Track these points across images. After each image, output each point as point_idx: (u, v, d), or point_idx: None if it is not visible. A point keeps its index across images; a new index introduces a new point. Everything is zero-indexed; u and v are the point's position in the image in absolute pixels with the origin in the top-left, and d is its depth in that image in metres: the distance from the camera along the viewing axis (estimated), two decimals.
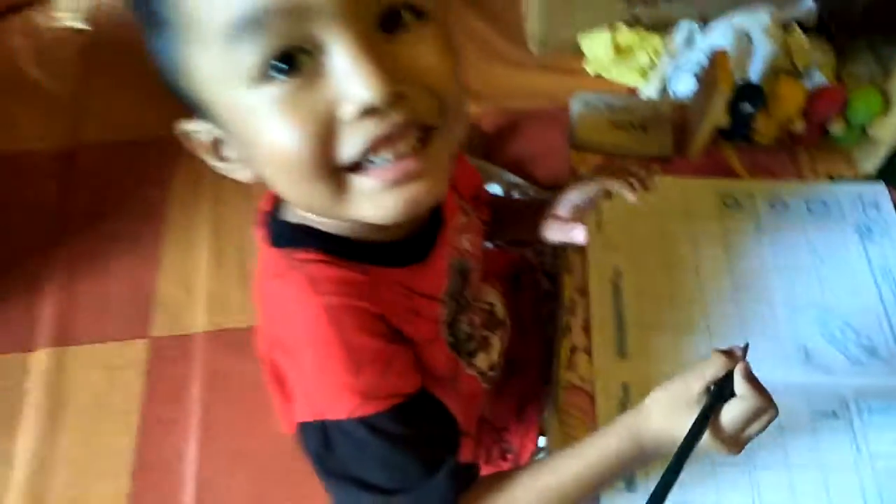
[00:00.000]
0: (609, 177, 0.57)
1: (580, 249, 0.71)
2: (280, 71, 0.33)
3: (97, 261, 0.96)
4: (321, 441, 0.43)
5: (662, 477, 0.43)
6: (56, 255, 0.97)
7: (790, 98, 0.72)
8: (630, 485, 0.57)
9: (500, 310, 0.62)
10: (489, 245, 0.74)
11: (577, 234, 0.55)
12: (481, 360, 0.57)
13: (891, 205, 0.75)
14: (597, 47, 1.11)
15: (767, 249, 0.73)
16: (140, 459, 0.82)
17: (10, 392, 0.87)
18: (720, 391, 0.44)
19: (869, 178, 0.77)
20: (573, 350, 0.66)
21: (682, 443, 0.43)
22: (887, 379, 0.64)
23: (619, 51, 1.11)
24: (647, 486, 0.56)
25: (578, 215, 0.57)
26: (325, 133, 0.35)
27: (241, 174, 0.42)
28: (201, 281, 0.94)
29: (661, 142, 0.78)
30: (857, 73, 1.13)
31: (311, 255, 0.43)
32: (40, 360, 0.89)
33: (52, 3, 1.24)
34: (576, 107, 0.81)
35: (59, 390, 0.87)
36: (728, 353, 0.45)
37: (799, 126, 0.74)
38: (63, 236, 0.99)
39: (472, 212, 0.57)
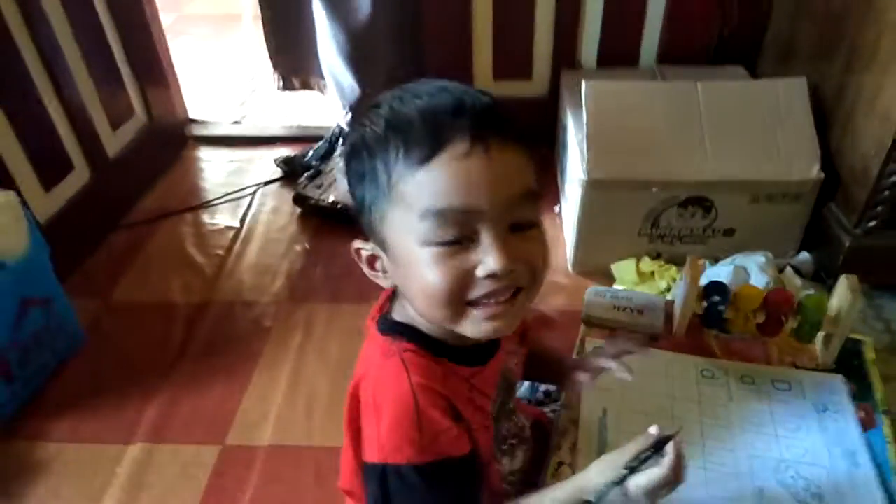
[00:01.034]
0: (611, 358, 0.76)
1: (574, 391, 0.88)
2: (450, 246, 0.54)
3: (201, 382, 1.20)
4: (379, 479, 0.59)
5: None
6: (170, 375, 1.21)
7: (749, 296, 0.92)
8: None
9: (527, 432, 0.79)
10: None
11: (588, 383, 0.76)
12: (506, 463, 0.73)
13: (847, 393, 0.88)
14: (624, 272, 1.36)
15: (735, 413, 0.86)
16: None
17: (104, 474, 1.05)
18: (640, 460, 0.60)
19: (829, 370, 0.92)
20: (560, 464, 0.80)
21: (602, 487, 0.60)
22: None
23: (642, 276, 1.35)
24: None
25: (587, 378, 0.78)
26: (462, 282, 0.55)
27: (384, 282, 0.62)
28: (275, 406, 1.15)
29: (653, 323, 0.98)
30: None
31: (407, 345, 0.61)
32: (134, 451, 1.08)
33: (215, 208, 1.68)
34: (589, 295, 1.04)
35: (139, 478, 1.04)
36: (657, 436, 0.61)
37: (760, 319, 0.93)
38: (179, 360, 1.24)
39: (518, 346, 0.76)
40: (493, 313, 0.57)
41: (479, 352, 0.65)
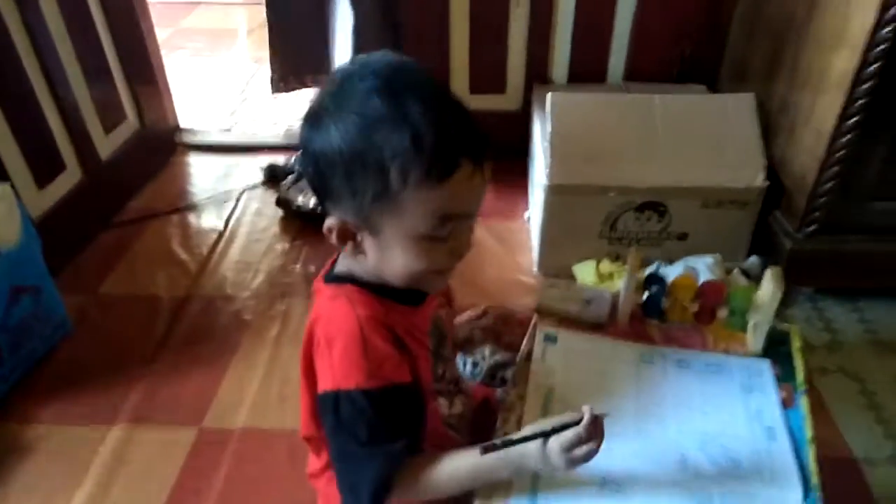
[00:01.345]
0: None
1: (526, 370, 0.96)
2: (438, 240, 0.67)
3: (182, 370, 1.27)
4: (333, 406, 0.68)
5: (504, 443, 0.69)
6: (153, 363, 1.28)
7: (684, 287, 1.01)
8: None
9: (463, 384, 0.89)
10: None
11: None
12: (444, 404, 0.82)
13: (772, 374, 0.96)
14: (585, 273, 1.45)
15: (668, 392, 0.94)
16: None
17: (87, 454, 1.12)
18: (563, 425, 0.69)
19: (757, 355, 1.00)
20: (506, 434, 0.88)
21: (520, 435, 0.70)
22: (745, 486, 0.81)
23: (602, 277, 1.43)
24: None
25: None
26: (439, 262, 0.69)
27: (359, 256, 0.70)
28: (251, 392, 1.22)
29: (599, 313, 1.06)
30: (794, 314, 1.40)
31: (352, 287, 0.72)
32: (116, 432, 1.15)
33: (201, 210, 1.76)
34: (543, 286, 1.12)
35: (121, 456, 1.11)
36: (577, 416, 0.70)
37: (695, 308, 1.01)
38: (161, 350, 1.32)
39: (445, 303, 0.87)
40: (447, 277, 0.74)
41: (411, 295, 0.74)
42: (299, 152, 0.69)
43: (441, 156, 0.62)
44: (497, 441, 0.69)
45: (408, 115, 0.62)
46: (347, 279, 0.73)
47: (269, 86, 1.95)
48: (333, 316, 0.71)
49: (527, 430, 0.71)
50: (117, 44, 1.71)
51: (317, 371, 0.71)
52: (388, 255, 0.68)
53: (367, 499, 0.68)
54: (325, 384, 0.69)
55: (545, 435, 0.69)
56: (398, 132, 0.62)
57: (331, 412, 0.69)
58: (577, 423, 0.69)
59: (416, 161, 0.62)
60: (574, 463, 0.69)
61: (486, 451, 0.69)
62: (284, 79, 1.94)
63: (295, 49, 1.89)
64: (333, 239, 0.69)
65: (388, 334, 0.70)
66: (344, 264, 0.75)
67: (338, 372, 0.68)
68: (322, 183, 0.67)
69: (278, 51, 1.90)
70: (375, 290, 0.72)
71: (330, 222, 0.68)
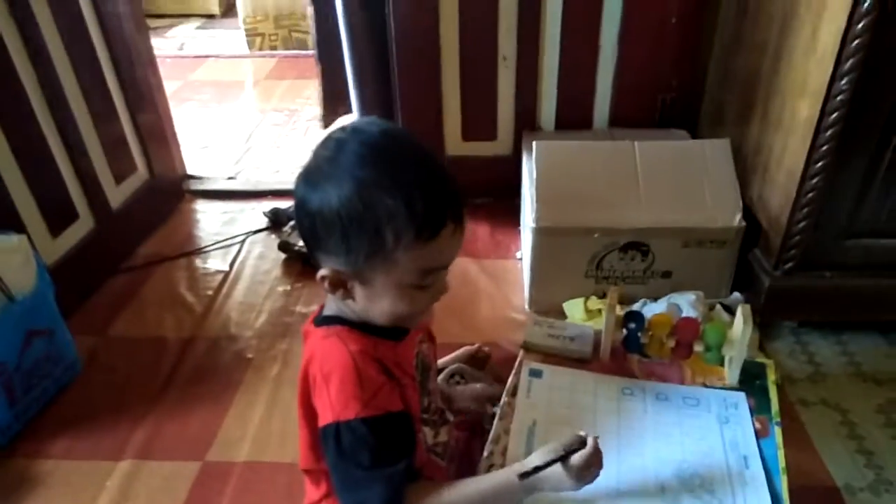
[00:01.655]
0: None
1: (511, 404, 1.01)
2: (423, 288, 0.75)
3: (186, 407, 1.32)
4: (334, 437, 0.74)
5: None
6: (158, 401, 1.34)
7: (661, 324, 1.06)
8: None
9: (448, 416, 0.95)
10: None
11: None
12: (428, 433, 0.87)
13: (747, 407, 1.01)
14: (574, 310, 1.50)
15: (649, 424, 0.98)
16: None
17: (94, 487, 1.16)
18: (573, 448, 0.78)
19: (734, 388, 1.05)
20: (491, 466, 0.92)
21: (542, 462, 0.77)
22: None
23: (590, 313, 1.49)
24: None
25: None
26: (422, 306, 0.78)
27: (347, 301, 0.77)
28: (253, 427, 1.27)
29: (583, 349, 1.11)
30: (778, 348, 1.45)
31: (341, 328, 0.78)
32: (123, 467, 1.20)
33: (207, 255, 1.84)
34: (529, 324, 1.18)
35: (127, 489, 1.16)
36: (582, 436, 0.80)
37: (672, 343, 1.07)
38: (167, 388, 1.37)
39: (426, 338, 0.92)
40: (426, 315, 0.83)
41: (394, 331, 0.81)
42: (294, 206, 0.76)
43: (430, 219, 0.71)
44: (530, 468, 0.77)
45: (399, 182, 0.70)
46: (336, 320, 0.80)
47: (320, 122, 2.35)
48: (327, 354, 0.77)
49: (539, 457, 0.78)
50: (127, 98, 1.80)
51: (316, 407, 0.77)
52: (376, 301, 0.76)
53: None
54: (325, 418, 0.75)
55: (562, 459, 0.77)
56: (392, 198, 0.69)
57: (332, 443, 0.74)
58: (581, 445, 0.78)
59: (409, 225, 0.70)
60: (585, 482, 0.78)
61: (522, 477, 0.76)
62: (328, 116, 2.28)
63: (335, 90, 2.18)
64: (326, 286, 0.76)
65: (379, 366, 0.77)
66: (332, 308, 0.82)
67: (336, 405, 0.74)
68: (316, 238, 0.74)
69: (326, 93, 2.25)
70: (362, 328, 0.79)
71: (323, 272, 0.75)
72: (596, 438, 0.80)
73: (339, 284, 0.75)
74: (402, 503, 0.74)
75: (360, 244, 0.71)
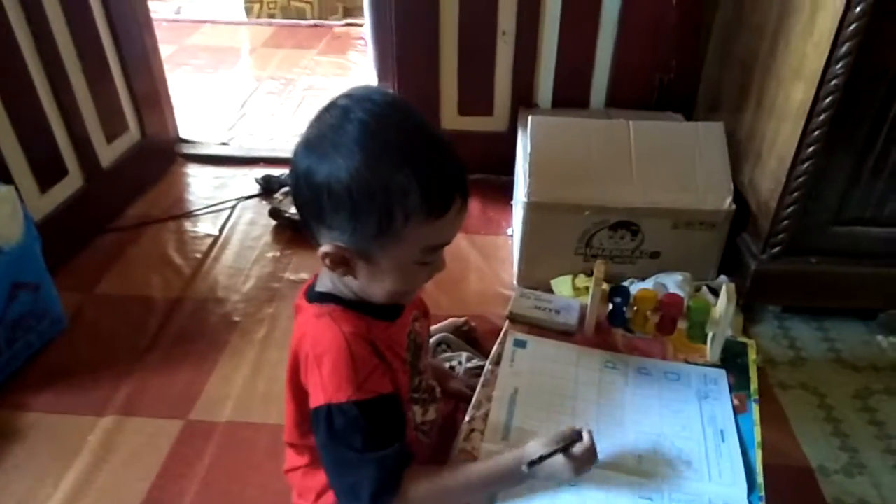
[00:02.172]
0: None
1: (495, 372, 1.02)
2: (424, 264, 0.74)
3: (171, 366, 1.33)
4: (326, 419, 0.73)
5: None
6: (143, 359, 1.34)
7: (646, 299, 1.07)
8: None
9: (437, 392, 0.94)
10: None
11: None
12: (417, 412, 0.88)
13: (726, 383, 1.02)
14: (561, 287, 1.51)
15: (629, 397, 0.99)
16: (149, 497, 1.08)
17: (77, 441, 1.17)
18: (573, 440, 0.79)
19: (715, 365, 1.06)
20: (472, 430, 0.93)
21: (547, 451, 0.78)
22: (694, 484, 0.86)
23: (578, 290, 1.50)
24: None
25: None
26: (422, 281, 0.78)
27: (347, 278, 0.75)
28: (237, 388, 1.28)
29: (568, 321, 1.12)
30: (761, 332, 1.47)
31: (335, 307, 0.77)
32: (105, 423, 1.20)
33: (197, 218, 1.83)
34: (516, 295, 1.18)
35: (109, 444, 1.16)
36: (577, 430, 0.81)
37: (656, 319, 1.08)
38: (153, 347, 1.37)
39: (421, 315, 0.92)
40: (420, 291, 0.83)
41: (389, 311, 0.80)
42: (292, 175, 0.74)
43: (441, 197, 0.69)
44: (535, 458, 0.78)
45: (410, 158, 0.68)
46: (329, 298, 0.79)
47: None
48: (319, 334, 0.75)
49: (537, 446, 0.79)
50: (122, 58, 1.78)
51: (307, 388, 0.76)
52: (378, 278, 0.74)
53: (368, 499, 0.72)
54: (317, 400, 0.74)
55: (564, 450, 0.78)
56: (405, 175, 0.67)
57: (324, 425, 0.73)
58: (578, 437, 0.80)
59: (421, 203, 0.68)
60: (581, 473, 0.80)
61: (531, 465, 0.78)
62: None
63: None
64: (326, 262, 0.74)
65: (371, 349, 0.75)
66: (326, 283, 0.80)
67: (329, 387, 0.72)
68: (319, 212, 0.70)
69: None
70: (357, 307, 0.78)
71: (325, 249, 0.72)
72: (591, 432, 0.81)
73: (340, 262, 0.73)
74: (396, 486, 0.74)
75: (367, 222, 0.69)
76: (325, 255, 0.73)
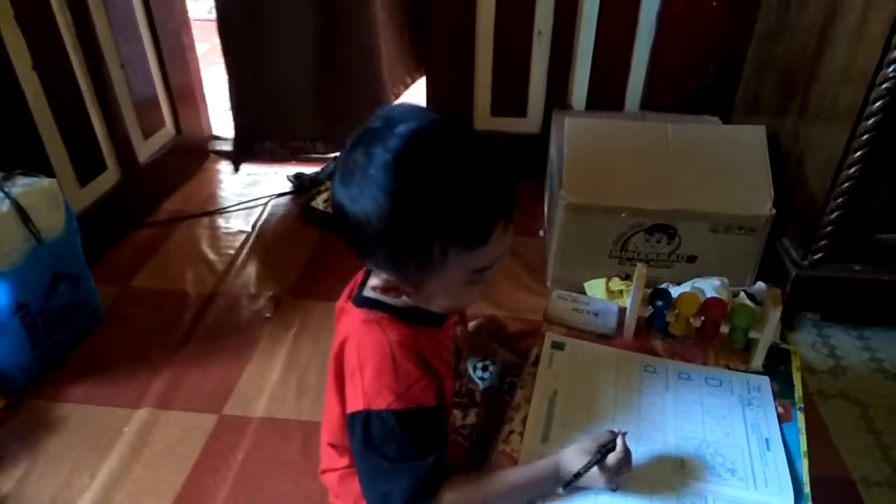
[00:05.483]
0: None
1: (532, 374, 1.01)
2: (475, 283, 0.74)
3: (205, 360, 1.33)
4: (363, 424, 0.73)
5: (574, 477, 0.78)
6: (178, 353, 1.35)
7: (689, 302, 1.05)
8: None
9: (478, 397, 0.95)
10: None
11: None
12: (458, 415, 0.87)
13: (770, 390, 1.00)
14: (595, 290, 1.49)
15: (670, 401, 0.98)
16: (184, 491, 1.08)
17: (112, 432, 1.17)
18: (606, 449, 0.79)
19: (758, 372, 1.04)
20: (510, 432, 0.92)
21: (582, 468, 0.78)
22: (739, 491, 0.84)
23: (611, 293, 1.48)
24: None
25: None
26: (472, 299, 0.78)
27: (392, 301, 0.76)
28: (270, 384, 1.28)
29: (606, 324, 1.11)
30: (799, 339, 1.44)
31: (383, 314, 0.77)
32: (141, 415, 1.21)
33: (230, 215, 1.84)
34: (554, 296, 1.17)
35: (144, 436, 1.17)
36: (613, 433, 0.80)
37: (698, 323, 1.06)
38: (187, 341, 1.38)
39: (459, 321, 0.92)
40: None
41: (435, 317, 0.80)
42: (332, 203, 0.73)
43: (478, 228, 0.67)
44: (572, 476, 0.78)
45: (439, 195, 0.64)
46: (378, 304, 0.78)
47: None
48: (364, 340, 0.75)
49: (574, 454, 0.80)
50: (160, 56, 1.81)
51: (346, 392, 0.76)
52: (431, 299, 0.76)
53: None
54: (355, 405, 0.74)
55: (599, 461, 0.78)
56: (433, 215, 0.65)
57: (360, 431, 0.73)
58: (612, 444, 0.79)
59: (456, 238, 0.66)
60: (618, 479, 0.79)
61: (566, 486, 0.78)
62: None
63: None
64: (378, 292, 0.76)
65: (418, 359, 0.75)
66: (374, 291, 0.79)
67: (369, 392, 0.72)
68: (361, 249, 0.71)
69: None
70: (405, 315, 0.77)
71: (374, 282, 0.75)
72: (625, 437, 0.80)
73: (391, 289, 0.74)
74: (430, 497, 0.73)
75: (408, 261, 0.69)
76: (374, 287, 0.76)
